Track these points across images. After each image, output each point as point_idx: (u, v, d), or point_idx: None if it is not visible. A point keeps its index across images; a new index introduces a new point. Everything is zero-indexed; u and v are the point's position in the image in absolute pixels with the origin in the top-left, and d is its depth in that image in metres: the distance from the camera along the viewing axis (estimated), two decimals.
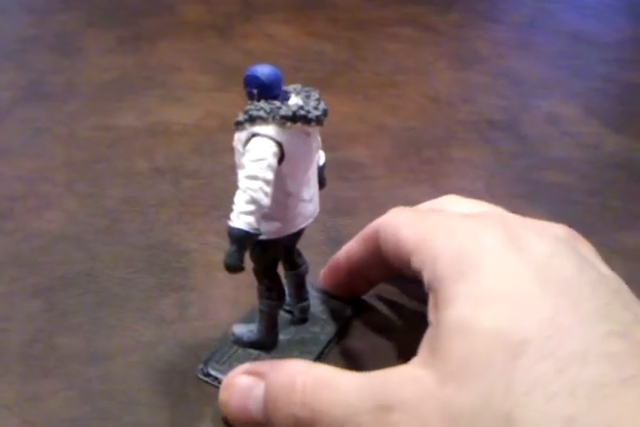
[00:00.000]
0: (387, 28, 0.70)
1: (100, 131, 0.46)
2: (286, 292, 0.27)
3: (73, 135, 0.45)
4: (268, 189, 0.21)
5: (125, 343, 0.28)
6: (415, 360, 0.20)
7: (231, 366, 0.25)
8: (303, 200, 0.24)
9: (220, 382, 0.25)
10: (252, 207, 0.21)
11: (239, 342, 0.27)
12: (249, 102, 0.22)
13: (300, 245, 0.27)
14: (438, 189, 0.41)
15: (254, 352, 0.27)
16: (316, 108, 0.22)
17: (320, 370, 0.21)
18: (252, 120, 0.21)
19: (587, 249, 0.24)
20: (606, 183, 0.43)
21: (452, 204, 0.28)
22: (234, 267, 0.21)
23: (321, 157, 0.26)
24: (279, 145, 0.21)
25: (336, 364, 0.22)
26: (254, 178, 0.21)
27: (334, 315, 0.30)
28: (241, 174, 0.21)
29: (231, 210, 0.21)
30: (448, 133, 0.49)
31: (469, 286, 0.20)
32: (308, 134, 0.23)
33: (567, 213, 0.26)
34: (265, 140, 0.21)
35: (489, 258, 0.21)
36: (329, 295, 0.30)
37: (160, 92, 0.52)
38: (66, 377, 0.26)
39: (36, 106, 0.49)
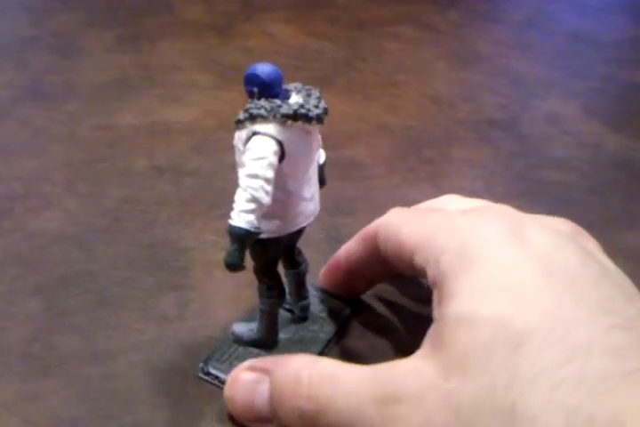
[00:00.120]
0: (387, 28, 0.70)
1: (99, 130, 0.46)
2: (286, 290, 0.27)
3: (73, 135, 0.45)
4: (269, 188, 0.21)
5: (125, 342, 0.28)
6: (418, 353, 0.20)
7: (231, 365, 0.25)
8: (304, 199, 0.24)
9: (220, 381, 0.25)
10: (252, 206, 0.21)
11: (239, 340, 0.27)
12: (249, 101, 0.22)
13: (300, 244, 0.27)
14: (438, 188, 0.41)
15: (254, 351, 0.27)
16: (316, 107, 0.22)
17: (325, 364, 0.21)
18: (253, 118, 0.21)
19: (590, 243, 0.24)
20: (606, 183, 0.43)
21: (452, 203, 0.28)
22: (234, 265, 0.21)
23: (321, 156, 0.26)
24: (280, 143, 0.21)
25: None
26: (255, 176, 0.21)
27: (334, 314, 0.30)
28: (241, 173, 0.21)
29: (231, 209, 0.21)
30: (448, 133, 0.49)
31: (472, 280, 0.20)
32: (309, 133, 0.23)
33: (567, 212, 0.26)
34: (265, 138, 0.21)
35: (492, 251, 0.21)
36: (328, 294, 0.30)
37: (160, 91, 0.52)
38: (66, 376, 0.26)
39: (35, 105, 0.49)
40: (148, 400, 0.25)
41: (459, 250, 0.21)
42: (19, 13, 0.70)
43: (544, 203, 0.40)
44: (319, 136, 0.24)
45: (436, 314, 0.21)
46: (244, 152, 0.21)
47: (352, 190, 0.40)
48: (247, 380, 0.23)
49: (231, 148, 0.23)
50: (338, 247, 0.30)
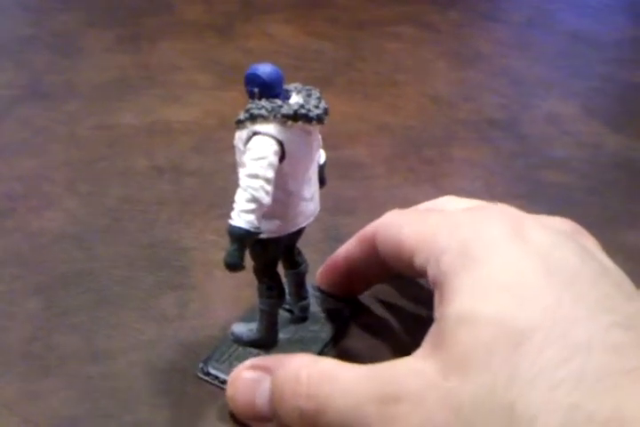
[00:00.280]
0: (387, 28, 0.70)
1: (99, 130, 0.46)
2: (286, 291, 0.27)
3: (73, 135, 0.45)
4: (269, 188, 0.21)
5: (125, 342, 0.28)
6: (418, 352, 0.20)
7: (231, 365, 0.25)
8: (304, 199, 0.24)
9: (220, 381, 0.25)
10: (252, 206, 0.21)
11: (239, 340, 0.27)
12: (250, 101, 0.22)
13: (300, 244, 0.27)
14: (438, 188, 0.41)
15: (254, 351, 0.27)
16: (316, 107, 0.22)
17: (325, 363, 0.21)
18: (254, 119, 0.21)
19: (590, 243, 0.24)
20: (606, 183, 0.43)
21: (451, 204, 0.28)
22: (234, 265, 0.21)
23: (321, 156, 0.26)
24: (280, 144, 0.21)
25: None
26: (255, 176, 0.21)
27: (333, 314, 0.30)
28: (242, 173, 0.21)
29: (232, 208, 0.21)
30: (448, 133, 0.49)
31: (474, 279, 0.20)
32: (309, 133, 0.23)
33: (567, 212, 0.26)
34: (266, 138, 0.21)
35: (494, 251, 0.21)
36: (327, 295, 0.31)
37: (160, 91, 0.52)
38: (66, 376, 0.26)
39: (35, 105, 0.49)
40: (148, 400, 0.25)
41: (460, 249, 0.21)
42: (18, 13, 0.69)
43: (544, 203, 0.40)
44: (319, 136, 0.24)
45: (436, 313, 0.21)
46: (244, 152, 0.21)
47: (352, 190, 0.40)
48: (248, 379, 0.23)
49: (231, 147, 0.23)
50: (337, 247, 0.30)
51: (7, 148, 0.43)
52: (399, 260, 0.25)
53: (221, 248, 0.33)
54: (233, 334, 0.27)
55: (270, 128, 0.21)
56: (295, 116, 0.21)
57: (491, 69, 0.61)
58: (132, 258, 0.33)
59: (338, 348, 0.28)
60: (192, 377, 0.26)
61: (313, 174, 0.24)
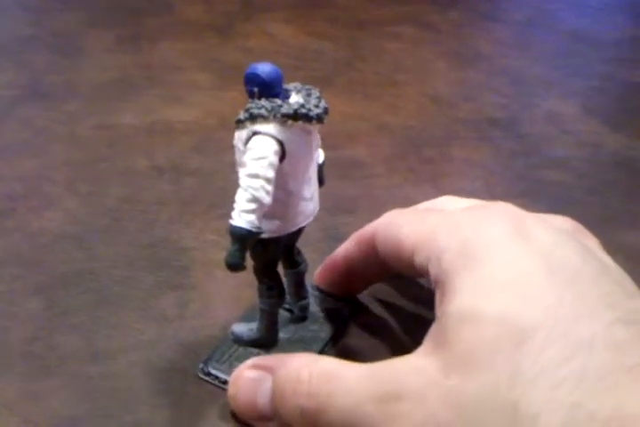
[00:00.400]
0: (387, 27, 0.70)
1: (100, 130, 0.46)
2: (286, 290, 0.27)
3: (73, 135, 0.45)
4: (270, 188, 0.21)
5: (126, 342, 0.28)
6: (419, 350, 0.20)
7: (231, 366, 0.25)
8: (304, 198, 0.24)
9: (220, 382, 0.25)
10: (253, 206, 0.21)
11: (239, 341, 0.27)
12: (250, 101, 0.22)
13: (300, 244, 0.27)
14: (438, 188, 0.41)
15: (254, 351, 0.27)
16: (316, 107, 0.22)
17: (326, 362, 0.21)
18: (254, 118, 0.21)
19: (591, 241, 0.24)
20: (605, 182, 0.43)
21: (451, 204, 0.28)
22: (235, 265, 0.21)
23: (320, 155, 0.26)
24: (280, 143, 0.21)
25: None
26: (255, 176, 0.21)
27: (333, 313, 0.30)
28: (242, 173, 0.21)
29: (232, 208, 0.21)
30: (448, 132, 0.49)
31: (476, 277, 0.20)
32: (309, 132, 0.23)
33: (566, 212, 0.26)
34: (266, 138, 0.21)
35: (496, 249, 0.21)
36: (326, 294, 0.31)
37: (160, 91, 0.52)
38: (66, 376, 0.26)
39: (35, 105, 0.49)
40: (148, 400, 0.25)
41: (461, 248, 0.21)
42: (18, 13, 0.69)
43: (544, 202, 0.40)
44: (318, 136, 0.24)
45: (437, 312, 0.21)
46: (244, 152, 0.21)
47: (352, 190, 0.40)
48: (250, 378, 0.23)
49: (231, 147, 0.23)
50: (337, 247, 0.30)
51: (8, 148, 0.43)
52: (399, 259, 0.25)
53: (221, 248, 0.34)
54: (233, 333, 0.27)
55: (270, 128, 0.21)
56: (295, 116, 0.21)
57: (491, 69, 0.61)
58: (132, 258, 0.33)
59: (338, 347, 0.28)
60: (192, 377, 0.26)
61: (313, 174, 0.25)
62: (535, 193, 0.41)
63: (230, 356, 0.27)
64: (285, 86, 0.23)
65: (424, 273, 0.23)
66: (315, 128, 0.23)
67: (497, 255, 0.20)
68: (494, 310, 0.19)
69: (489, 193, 0.41)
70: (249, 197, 0.21)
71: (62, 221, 0.36)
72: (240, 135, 0.22)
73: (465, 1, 0.81)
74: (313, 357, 0.23)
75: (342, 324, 0.29)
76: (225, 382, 0.25)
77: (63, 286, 0.31)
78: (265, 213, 0.21)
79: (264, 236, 0.22)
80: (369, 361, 0.21)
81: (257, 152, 0.21)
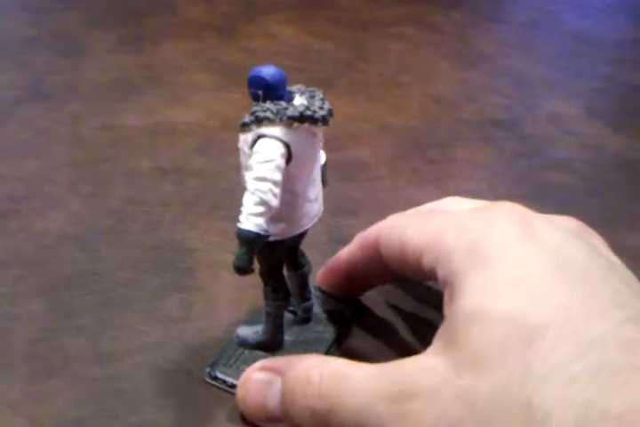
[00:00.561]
0: (390, 28, 0.70)
1: (102, 131, 0.46)
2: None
3: (75, 135, 0.45)
4: (277, 191, 0.21)
5: (130, 343, 0.28)
6: (429, 350, 0.20)
7: (238, 369, 0.25)
8: (309, 200, 0.24)
9: (228, 385, 0.25)
10: (261, 209, 0.21)
11: (245, 344, 0.27)
12: (254, 104, 0.22)
13: (303, 246, 0.27)
14: (442, 189, 0.41)
15: (261, 354, 0.27)
16: (321, 108, 0.22)
17: (335, 363, 0.21)
18: (259, 121, 0.21)
19: (597, 241, 0.24)
20: (607, 184, 0.43)
21: (455, 205, 0.28)
22: (244, 269, 0.21)
23: (322, 157, 0.26)
24: (287, 146, 0.21)
25: None
26: (263, 179, 0.21)
27: (336, 315, 0.30)
28: (249, 176, 0.21)
29: (240, 212, 0.21)
30: (451, 133, 0.49)
31: (485, 277, 0.20)
32: (315, 134, 0.23)
33: (569, 213, 0.26)
34: (272, 141, 0.21)
35: (504, 249, 0.21)
36: (328, 295, 0.30)
37: (163, 92, 0.52)
38: (71, 377, 0.26)
39: (37, 106, 0.49)
40: (153, 401, 0.25)
41: (470, 248, 0.21)
42: (19, 13, 0.70)
43: (547, 204, 0.40)
44: (322, 137, 0.24)
45: (446, 312, 0.21)
46: (249, 155, 0.21)
47: (355, 191, 0.40)
48: (259, 380, 0.23)
49: (235, 149, 0.23)
50: (340, 249, 0.30)
51: (9, 149, 0.43)
52: (404, 262, 0.24)
53: (226, 249, 0.34)
54: (238, 337, 0.27)
55: (276, 130, 0.21)
56: (301, 118, 0.21)
57: (493, 70, 0.61)
58: (137, 259, 0.33)
59: (343, 348, 0.28)
60: (198, 379, 0.26)
61: (317, 175, 0.25)
62: (538, 195, 0.41)
63: (237, 359, 0.27)
64: (289, 88, 0.23)
65: (431, 275, 0.23)
66: (320, 130, 0.23)
67: (506, 255, 0.21)
68: (504, 309, 0.19)
69: (492, 194, 0.41)
70: (257, 200, 0.21)
71: (65, 222, 0.36)
72: (245, 138, 0.22)
73: (468, 2, 0.81)
74: (322, 358, 0.23)
75: (344, 325, 0.29)
76: (233, 386, 0.25)
77: (67, 288, 0.31)
78: (272, 215, 0.21)
79: (271, 239, 0.22)
80: (375, 362, 0.21)
81: (264, 155, 0.21)
